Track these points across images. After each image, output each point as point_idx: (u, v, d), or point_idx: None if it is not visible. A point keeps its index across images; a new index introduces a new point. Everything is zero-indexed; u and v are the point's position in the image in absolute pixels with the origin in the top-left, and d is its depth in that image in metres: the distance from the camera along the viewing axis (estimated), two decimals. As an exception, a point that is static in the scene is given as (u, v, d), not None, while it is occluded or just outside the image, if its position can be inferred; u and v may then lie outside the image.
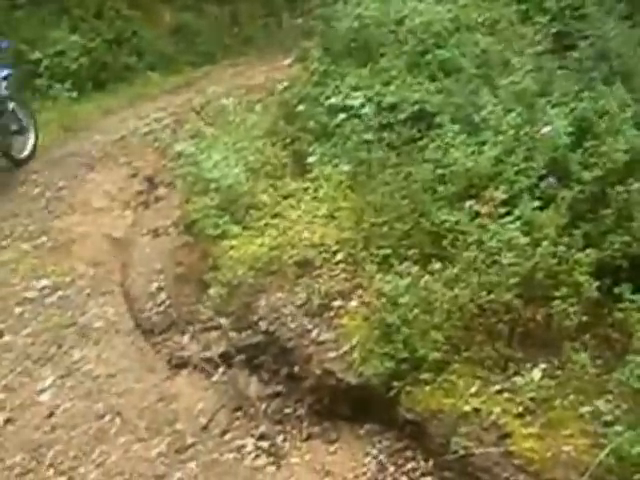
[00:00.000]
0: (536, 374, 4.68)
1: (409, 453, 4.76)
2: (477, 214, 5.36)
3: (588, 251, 4.98)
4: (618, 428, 4.23)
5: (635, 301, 4.83)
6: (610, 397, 4.53)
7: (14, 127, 7.98)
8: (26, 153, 8.31)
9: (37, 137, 8.33)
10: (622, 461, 4.08)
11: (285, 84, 8.60)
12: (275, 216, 6.63)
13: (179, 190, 7.84)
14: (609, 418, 4.37)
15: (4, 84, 7.74)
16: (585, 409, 4.46)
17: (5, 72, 7.74)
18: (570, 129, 5.66)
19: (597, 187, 5.30)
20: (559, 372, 4.73)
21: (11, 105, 7.80)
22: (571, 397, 4.56)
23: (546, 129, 5.62)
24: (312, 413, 5.38)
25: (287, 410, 5.48)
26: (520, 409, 4.53)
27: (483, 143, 5.92)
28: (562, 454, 4.23)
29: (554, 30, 7.98)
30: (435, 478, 4.57)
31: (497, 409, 4.55)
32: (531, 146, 5.65)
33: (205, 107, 9.43)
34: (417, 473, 4.64)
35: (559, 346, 4.80)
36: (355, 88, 7.45)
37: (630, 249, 5.07)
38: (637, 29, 7.17)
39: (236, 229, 6.57)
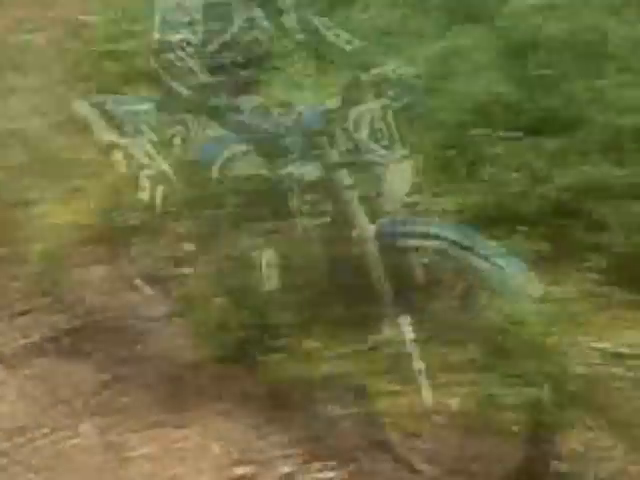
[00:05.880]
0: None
1: (273, 427, 5.00)
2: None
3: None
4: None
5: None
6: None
7: None
8: None
9: None
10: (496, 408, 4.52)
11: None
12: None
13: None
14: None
15: None
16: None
17: None
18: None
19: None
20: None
21: None
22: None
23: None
24: (156, 399, 5.46)
25: (125, 399, 5.53)
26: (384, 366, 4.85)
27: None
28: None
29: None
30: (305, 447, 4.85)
31: (359, 368, 4.82)
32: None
33: None
34: (285, 445, 4.90)
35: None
36: None
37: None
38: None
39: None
